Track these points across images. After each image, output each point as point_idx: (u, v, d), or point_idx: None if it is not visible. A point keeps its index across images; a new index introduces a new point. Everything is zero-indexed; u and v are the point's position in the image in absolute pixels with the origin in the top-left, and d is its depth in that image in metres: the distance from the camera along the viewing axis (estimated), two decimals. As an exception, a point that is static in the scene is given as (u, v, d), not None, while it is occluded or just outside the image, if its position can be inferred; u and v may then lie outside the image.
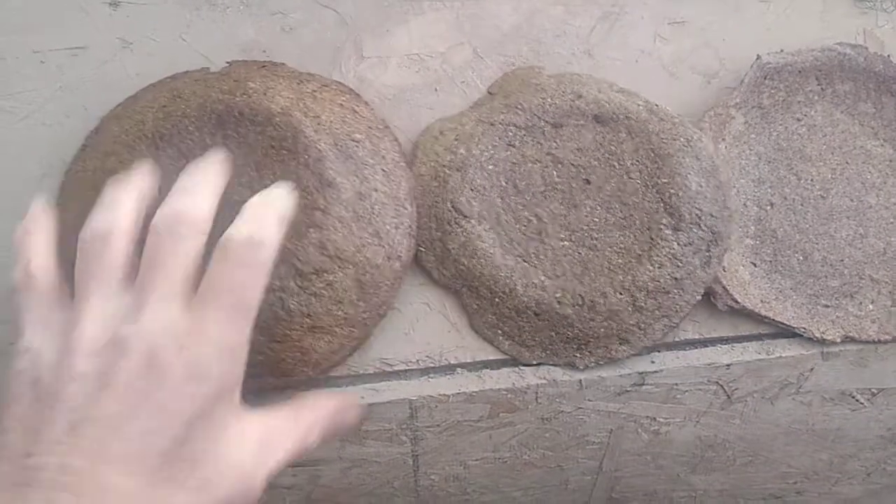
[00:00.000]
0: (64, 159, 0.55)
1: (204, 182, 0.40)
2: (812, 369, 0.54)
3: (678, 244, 0.50)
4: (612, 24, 0.60)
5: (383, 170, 0.51)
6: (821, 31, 0.61)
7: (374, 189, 0.50)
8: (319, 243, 0.47)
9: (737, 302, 0.51)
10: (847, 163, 0.57)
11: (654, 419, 0.56)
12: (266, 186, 0.47)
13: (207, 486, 0.35)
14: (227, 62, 0.55)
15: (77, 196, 0.51)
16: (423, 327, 0.53)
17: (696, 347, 0.53)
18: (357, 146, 0.51)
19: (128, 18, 0.59)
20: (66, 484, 0.32)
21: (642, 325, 0.50)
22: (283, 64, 0.56)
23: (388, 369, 0.52)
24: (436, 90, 0.58)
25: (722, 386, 0.54)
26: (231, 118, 0.50)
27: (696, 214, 0.50)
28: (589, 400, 0.53)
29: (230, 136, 0.50)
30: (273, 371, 0.48)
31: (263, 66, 0.55)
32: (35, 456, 0.33)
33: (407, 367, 0.52)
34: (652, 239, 0.50)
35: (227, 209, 0.48)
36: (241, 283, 0.37)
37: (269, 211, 0.39)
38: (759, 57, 0.56)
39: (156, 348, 0.34)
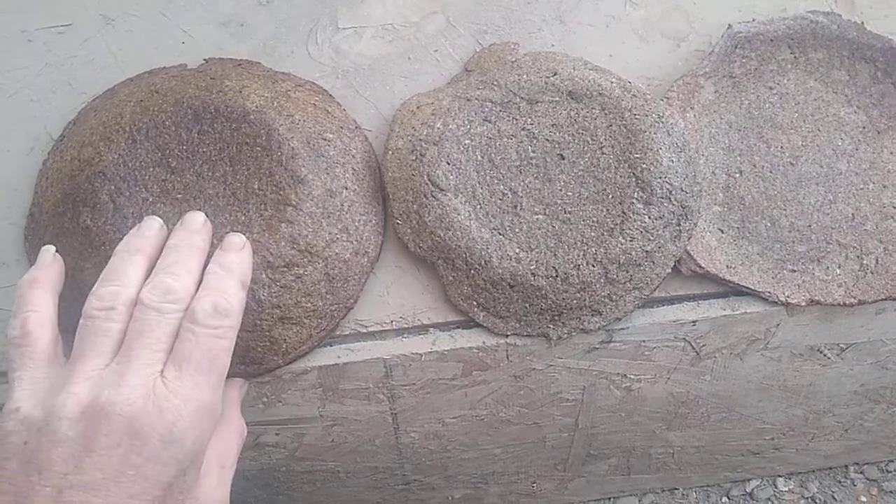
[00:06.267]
0: (51, 134, 0.63)
1: (188, 257, 0.49)
2: (778, 325, 0.63)
3: (649, 218, 0.58)
4: (584, -11, 0.68)
5: (353, 168, 0.60)
6: (791, -7, 0.68)
7: (344, 187, 0.59)
8: (291, 238, 0.56)
9: (700, 267, 0.60)
10: (818, 130, 0.64)
11: (626, 376, 0.65)
12: (240, 181, 0.57)
13: None
14: (205, 59, 0.64)
15: (55, 184, 0.60)
16: (398, 290, 0.61)
17: (663, 305, 0.62)
18: (328, 145, 0.59)
19: (110, -5, 0.67)
20: None
21: (614, 297, 0.59)
22: (258, 63, 0.64)
23: (364, 330, 0.60)
24: (409, 59, 0.66)
25: (689, 342, 0.63)
26: (207, 114, 0.58)
27: (667, 189, 0.58)
28: (559, 357, 0.62)
29: (206, 132, 0.58)
30: (243, 359, 0.57)
31: (239, 65, 0.63)
32: None
33: (381, 328, 0.60)
34: (624, 213, 0.58)
35: (203, 203, 0.57)
36: (209, 348, 0.45)
37: (230, 279, 0.49)
38: (729, 26, 0.64)
39: (134, 413, 0.42)
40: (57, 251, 0.52)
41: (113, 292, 0.46)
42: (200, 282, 0.49)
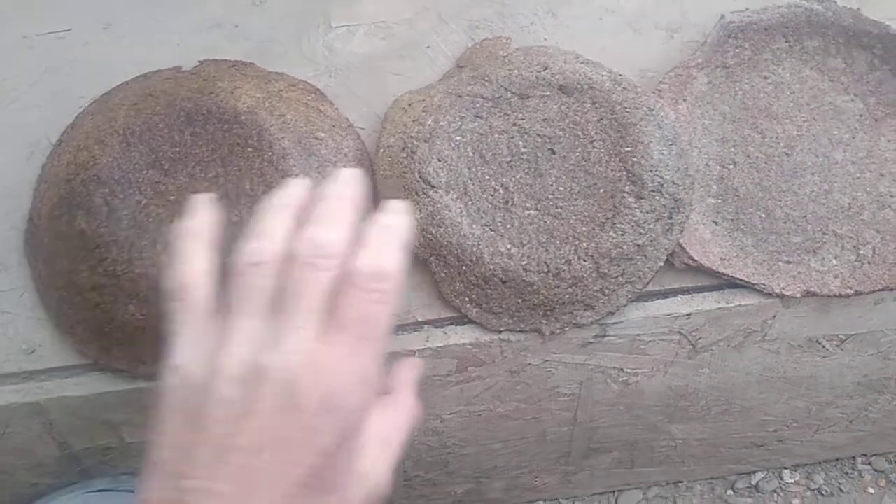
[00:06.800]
0: (50, 139, 0.64)
1: (341, 211, 0.46)
2: (775, 317, 0.63)
3: (641, 212, 0.58)
4: (576, -18, 0.68)
5: (345, 167, 0.60)
6: (786, -20, 0.68)
7: None
8: None
9: (693, 260, 0.59)
10: (814, 119, 0.64)
11: (622, 370, 0.66)
12: (232, 182, 0.57)
13: (344, 502, 0.43)
14: (199, 61, 0.64)
15: (52, 188, 0.61)
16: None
17: (657, 298, 0.62)
18: (320, 144, 0.60)
19: (108, 0, 0.68)
20: None
21: (606, 291, 0.59)
22: (252, 63, 0.65)
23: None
24: (402, 56, 0.67)
25: (685, 335, 0.63)
26: (199, 116, 0.59)
27: (659, 182, 0.58)
28: (554, 352, 0.63)
29: (198, 134, 0.59)
30: None
31: (233, 66, 0.64)
32: (187, 478, 0.40)
33: None
34: (615, 207, 0.58)
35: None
36: (370, 315, 0.43)
37: (392, 240, 0.45)
38: (722, 16, 0.64)
39: (294, 379, 0.41)
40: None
41: (261, 248, 0.44)
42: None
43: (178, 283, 0.45)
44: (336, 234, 0.44)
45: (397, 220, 0.46)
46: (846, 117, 0.64)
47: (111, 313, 0.57)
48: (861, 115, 0.64)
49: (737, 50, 0.64)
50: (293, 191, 0.48)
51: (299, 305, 0.42)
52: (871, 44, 0.65)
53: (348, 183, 0.47)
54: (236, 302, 0.43)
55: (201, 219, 0.47)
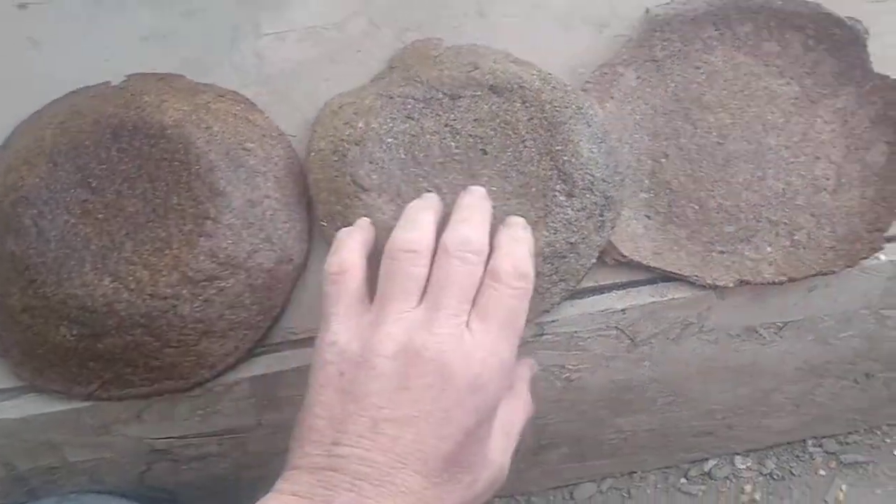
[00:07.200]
0: (-18, 160, 0.64)
1: (481, 215, 0.52)
2: (710, 308, 0.63)
3: (572, 210, 0.58)
4: (505, -19, 0.67)
5: (275, 176, 0.60)
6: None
7: (266, 196, 0.59)
8: (210, 251, 0.56)
9: (623, 256, 0.60)
10: (748, 106, 0.64)
11: (563, 367, 0.66)
12: (160, 197, 0.57)
13: (475, 484, 0.47)
14: (126, 75, 0.64)
15: None
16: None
17: (591, 295, 0.62)
18: (248, 155, 0.60)
19: (35, 18, 0.68)
20: (366, 474, 0.42)
21: (540, 290, 0.58)
22: (181, 76, 0.64)
23: (294, 338, 0.61)
24: (333, 61, 0.66)
25: (622, 330, 0.63)
26: (125, 132, 0.59)
27: (589, 180, 0.58)
28: (493, 352, 0.63)
29: (124, 150, 0.58)
30: (170, 375, 0.57)
31: (161, 79, 0.63)
32: (341, 445, 0.43)
33: (312, 335, 0.58)
34: (547, 206, 0.58)
35: (123, 221, 0.57)
36: (512, 307, 0.48)
37: (523, 246, 0.51)
38: (647, 10, 0.64)
39: (446, 359, 0.45)
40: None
41: (416, 237, 0.49)
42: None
43: (337, 268, 0.49)
44: (481, 234, 0.50)
45: (524, 233, 0.52)
46: (781, 101, 0.64)
47: (43, 335, 0.57)
48: (797, 98, 0.64)
49: (665, 43, 0.64)
50: (433, 198, 0.54)
51: (451, 294, 0.47)
52: (803, 24, 0.64)
53: (482, 196, 0.54)
54: (388, 286, 0.48)
55: (364, 230, 0.53)
